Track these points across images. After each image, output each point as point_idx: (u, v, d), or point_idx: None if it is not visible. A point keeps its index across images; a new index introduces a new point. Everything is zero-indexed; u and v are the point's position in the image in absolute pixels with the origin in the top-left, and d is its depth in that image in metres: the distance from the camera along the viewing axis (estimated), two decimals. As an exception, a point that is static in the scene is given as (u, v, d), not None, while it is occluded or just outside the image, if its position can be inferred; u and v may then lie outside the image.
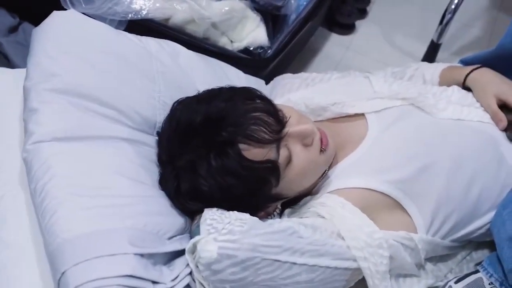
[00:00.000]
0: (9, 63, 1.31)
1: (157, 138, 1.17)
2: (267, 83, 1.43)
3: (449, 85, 1.39)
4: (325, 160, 1.17)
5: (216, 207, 1.06)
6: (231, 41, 1.43)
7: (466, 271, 1.26)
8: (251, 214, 1.07)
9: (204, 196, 1.06)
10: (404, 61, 1.54)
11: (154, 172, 1.13)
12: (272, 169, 1.07)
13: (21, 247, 1.05)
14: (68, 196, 1.00)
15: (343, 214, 1.11)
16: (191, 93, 1.15)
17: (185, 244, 1.02)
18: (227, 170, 1.05)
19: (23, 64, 1.23)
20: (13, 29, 1.39)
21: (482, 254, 1.30)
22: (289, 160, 1.10)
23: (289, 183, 1.11)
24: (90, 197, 1.01)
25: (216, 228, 0.99)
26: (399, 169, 1.18)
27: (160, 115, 1.18)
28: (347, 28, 1.87)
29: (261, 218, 1.09)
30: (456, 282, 1.18)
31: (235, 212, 1.04)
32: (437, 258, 1.25)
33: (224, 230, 0.98)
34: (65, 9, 1.32)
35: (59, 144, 1.06)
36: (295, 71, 1.53)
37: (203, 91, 1.14)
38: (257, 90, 1.17)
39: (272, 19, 1.51)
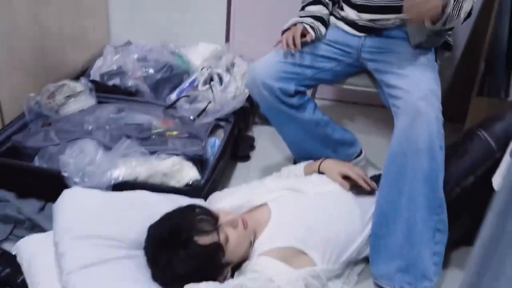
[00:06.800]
0: (43, 230, 1.29)
1: (144, 251, 1.14)
2: (205, 200, 1.42)
3: (310, 174, 1.43)
4: (249, 233, 1.19)
5: (192, 281, 1.05)
6: (178, 181, 1.41)
7: (352, 281, 1.28)
8: (213, 280, 1.08)
9: (183, 277, 1.06)
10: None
11: (147, 272, 1.11)
12: (218, 247, 1.09)
13: None
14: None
15: (270, 266, 1.13)
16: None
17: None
18: (192, 255, 1.06)
19: (51, 228, 1.22)
20: (42, 209, 1.37)
21: (360, 267, 1.32)
22: (227, 239, 1.12)
23: (231, 252, 1.13)
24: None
25: None
26: (296, 230, 1.21)
27: (143, 236, 1.15)
28: (245, 158, 1.79)
29: (220, 281, 1.10)
30: None
31: (203, 282, 1.05)
32: (333, 276, 1.25)
33: None
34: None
35: (82, 271, 1.05)
36: (221, 189, 1.52)
37: (167, 213, 1.16)
38: (196, 204, 1.20)
39: (200, 162, 1.51)
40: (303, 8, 1.49)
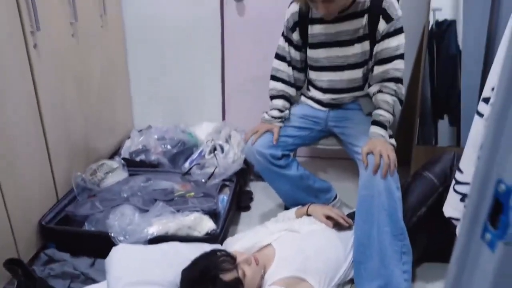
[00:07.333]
0: (95, 282, 1.28)
1: None
2: (221, 245, 1.42)
3: (301, 217, 1.45)
4: (260, 268, 1.19)
5: None
6: (199, 232, 1.41)
7: (344, 300, 1.30)
8: None
9: None
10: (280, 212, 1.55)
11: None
12: (238, 281, 1.10)
13: None
14: None
15: None
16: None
17: None
18: None
19: (103, 279, 1.24)
20: (92, 264, 1.38)
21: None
22: (244, 274, 1.12)
23: (248, 284, 1.13)
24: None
25: None
26: (295, 263, 1.20)
27: (178, 277, 1.14)
28: (247, 208, 1.79)
29: (242, 309, 1.12)
30: None
31: None
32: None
33: None
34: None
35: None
36: (231, 235, 1.53)
37: (195, 258, 1.15)
38: (217, 249, 1.21)
39: (214, 215, 1.52)
40: (271, 99, 1.55)
